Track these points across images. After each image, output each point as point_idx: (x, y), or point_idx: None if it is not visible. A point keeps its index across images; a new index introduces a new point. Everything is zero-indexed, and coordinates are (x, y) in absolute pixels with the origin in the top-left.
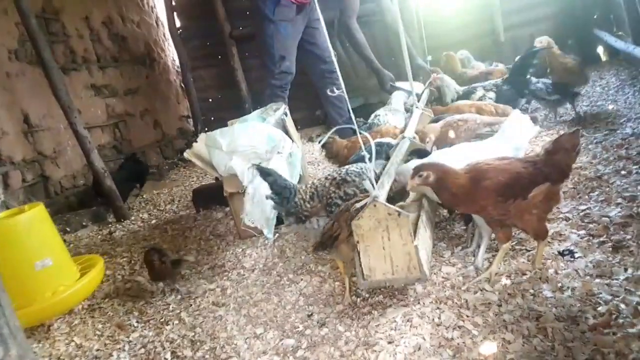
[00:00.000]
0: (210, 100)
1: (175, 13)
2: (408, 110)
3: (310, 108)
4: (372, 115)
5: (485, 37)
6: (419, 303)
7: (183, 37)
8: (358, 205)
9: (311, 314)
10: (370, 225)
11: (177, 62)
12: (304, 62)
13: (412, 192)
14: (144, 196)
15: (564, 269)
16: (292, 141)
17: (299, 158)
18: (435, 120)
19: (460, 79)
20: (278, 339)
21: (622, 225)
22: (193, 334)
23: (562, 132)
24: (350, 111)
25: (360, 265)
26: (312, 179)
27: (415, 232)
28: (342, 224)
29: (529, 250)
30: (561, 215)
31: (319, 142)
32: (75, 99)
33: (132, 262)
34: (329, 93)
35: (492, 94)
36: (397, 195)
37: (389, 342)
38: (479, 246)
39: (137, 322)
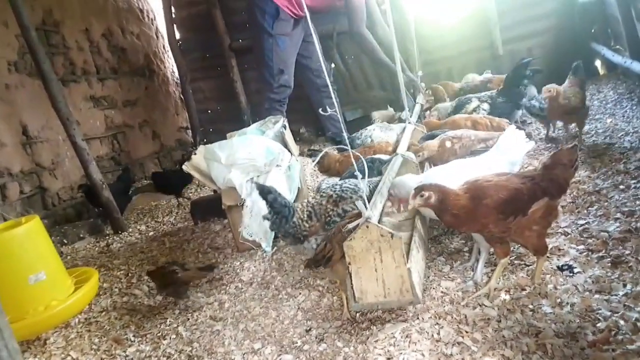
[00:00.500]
0: (209, 111)
1: (175, 25)
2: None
3: (308, 121)
4: (359, 132)
5: (484, 50)
6: (418, 318)
7: (183, 49)
8: (350, 225)
9: (309, 329)
10: (362, 247)
11: (177, 74)
12: (299, 76)
13: (411, 210)
14: (141, 207)
15: (563, 284)
16: (291, 154)
17: (298, 171)
18: (431, 137)
19: (461, 92)
20: (276, 354)
21: (620, 240)
22: (190, 348)
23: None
24: (343, 127)
25: (352, 287)
26: (310, 192)
27: (407, 253)
28: (335, 245)
29: (528, 265)
30: (560, 230)
31: (313, 162)
32: (74, 110)
33: (130, 274)
34: (322, 112)
35: (486, 105)
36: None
37: (388, 358)
38: (477, 260)
39: (134, 336)
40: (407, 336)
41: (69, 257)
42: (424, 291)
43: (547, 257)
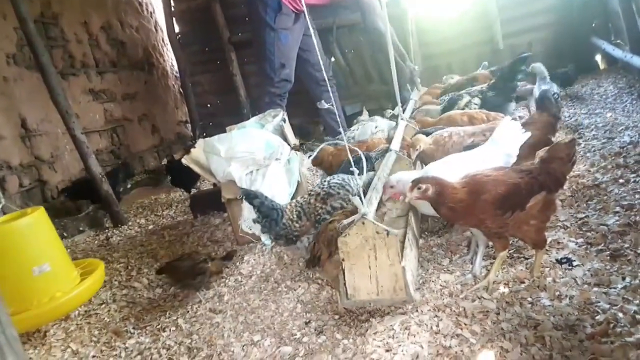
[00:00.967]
0: (209, 105)
1: (174, 18)
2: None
3: (308, 115)
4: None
5: (484, 45)
6: (417, 311)
7: (182, 42)
8: (345, 221)
9: (309, 322)
10: (357, 243)
11: (176, 68)
12: (299, 70)
13: (410, 203)
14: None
15: (562, 277)
16: (290, 147)
17: (297, 164)
18: (425, 135)
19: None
20: (275, 346)
21: (619, 233)
22: (190, 340)
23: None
24: (339, 122)
25: (345, 284)
26: (309, 186)
27: (402, 250)
28: (322, 244)
29: (527, 259)
30: (559, 224)
31: (309, 157)
32: (74, 103)
33: (129, 267)
34: (318, 106)
35: (477, 100)
36: None
37: (387, 350)
38: (476, 254)
39: (134, 328)
40: (406, 328)
41: (68, 250)
42: (423, 284)
43: (546, 250)
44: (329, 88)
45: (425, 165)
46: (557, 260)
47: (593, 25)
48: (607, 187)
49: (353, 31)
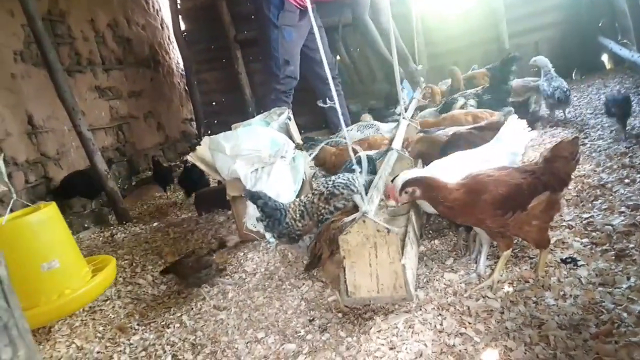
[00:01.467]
0: (214, 103)
1: (180, 16)
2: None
3: (314, 113)
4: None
5: (490, 44)
6: (421, 309)
7: (188, 40)
8: (347, 219)
9: (313, 319)
10: (357, 241)
11: (182, 65)
12: (304, 68)
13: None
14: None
15: (567, 277)
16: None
17: (303, 162)
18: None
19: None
20: (279, 343)
21: (625, 233)
22: (194, 337)
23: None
24: (341, 121)
25: (345, 281)
26: (314, 184)
27: (402, 248)
28: (323, 243)
29: (532, 258)
30: (564, 223)
31: (310, 155)
32: (80, 100)
33: (134, 264)
34: (320, 104)
35: (472, 102)
36: None
37: (391, 348)
38: (480, 253)
39: (138, 324)
40: (409, 327)
41: None
42: (427, 283)
43: (551, 249)
44: (334, 87)
45: (426, 165)
46: (561, 259)
47: (600, 24)
48: (613, 187)
49: (358, 29)
